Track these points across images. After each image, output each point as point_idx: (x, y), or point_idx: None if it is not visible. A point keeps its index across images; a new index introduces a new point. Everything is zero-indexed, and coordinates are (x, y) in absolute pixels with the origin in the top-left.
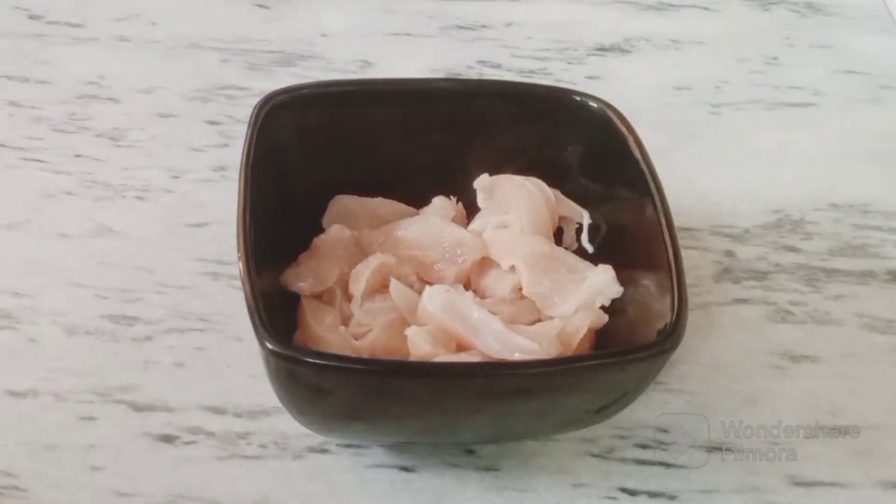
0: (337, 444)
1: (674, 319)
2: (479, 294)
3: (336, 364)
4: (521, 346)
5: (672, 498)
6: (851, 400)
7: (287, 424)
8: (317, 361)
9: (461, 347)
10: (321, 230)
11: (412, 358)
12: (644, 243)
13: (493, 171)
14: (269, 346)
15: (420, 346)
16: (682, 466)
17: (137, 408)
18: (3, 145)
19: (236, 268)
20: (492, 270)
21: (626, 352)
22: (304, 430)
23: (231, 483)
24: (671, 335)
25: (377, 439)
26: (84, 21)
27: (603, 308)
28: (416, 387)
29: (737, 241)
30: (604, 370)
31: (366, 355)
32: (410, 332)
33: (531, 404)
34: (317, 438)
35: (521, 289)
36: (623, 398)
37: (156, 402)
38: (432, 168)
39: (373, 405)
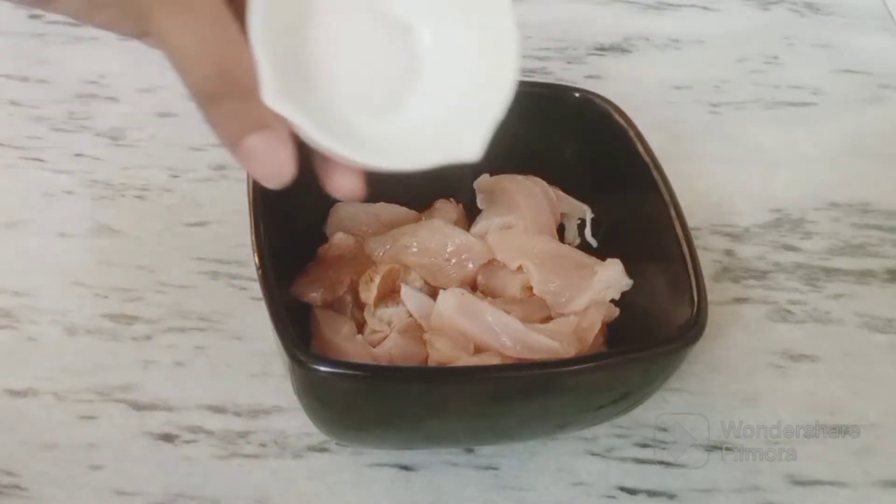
0: (336, 443)
1: (696, 307)
2: (488, 295)
3: (382, 376)
4: (541, 344)
5: (671, 497)
6: (851, 400)
7: (286, 423)
8: (361, 374)
9: (478, 350)
10: (323, 238)
11: (431, 363)
12: (651, 235)
13: (493, 170)
14: (309, 362)
15: (441, 350)
16: (681, 465)
17: (137, 407)
18: (3, 145)
19: (236, 267)
20: (499, 271)
21: (656, 344)
22: (303, 429)
23: (231, 482)
24: (695, 324)
25: (406, 447)
26: None
27: (612, 301)
28: (457, 391)
29: (737, 241)
30: (635, 364)
31: (385, 362)
32: (430, 337)
33: (563, 401)
34: (316, 437)
35: (530, 288)
36: (647, 389)
37: (156, 402)
38: (431, 170)
39: (410, 412)
